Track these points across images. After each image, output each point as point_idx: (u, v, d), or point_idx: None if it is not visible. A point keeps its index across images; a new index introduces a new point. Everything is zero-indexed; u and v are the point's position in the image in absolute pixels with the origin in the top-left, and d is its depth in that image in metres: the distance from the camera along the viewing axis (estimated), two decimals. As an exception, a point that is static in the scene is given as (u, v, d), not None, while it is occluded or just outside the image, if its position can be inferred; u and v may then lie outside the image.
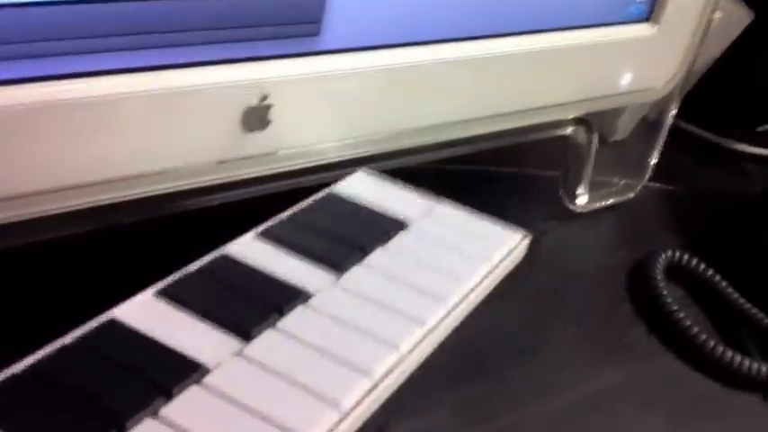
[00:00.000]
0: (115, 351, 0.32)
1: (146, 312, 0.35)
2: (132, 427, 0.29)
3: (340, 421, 0.32)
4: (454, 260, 0.43)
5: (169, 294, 0.36)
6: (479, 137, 0.53)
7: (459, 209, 0.48)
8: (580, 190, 0.62)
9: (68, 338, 0.33)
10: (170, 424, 0.30)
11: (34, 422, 0.29)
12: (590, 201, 0.64)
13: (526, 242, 0.46)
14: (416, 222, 0.46)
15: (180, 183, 0.41)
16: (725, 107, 0.80)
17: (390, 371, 0.35)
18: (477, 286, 0.42)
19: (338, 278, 0.40)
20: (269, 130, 0.42)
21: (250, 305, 0.37)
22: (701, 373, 0.54)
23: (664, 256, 0.58)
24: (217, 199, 0.44)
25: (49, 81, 0.33)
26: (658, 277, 0.57)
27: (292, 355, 0.34)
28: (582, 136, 0.60)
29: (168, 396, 0.31)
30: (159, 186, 0.40)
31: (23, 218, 0.35)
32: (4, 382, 0.30)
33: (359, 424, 0.33)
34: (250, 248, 0.41)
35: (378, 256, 0.42)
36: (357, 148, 0.49)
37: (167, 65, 0.36)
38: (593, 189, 0.64)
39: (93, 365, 0.32)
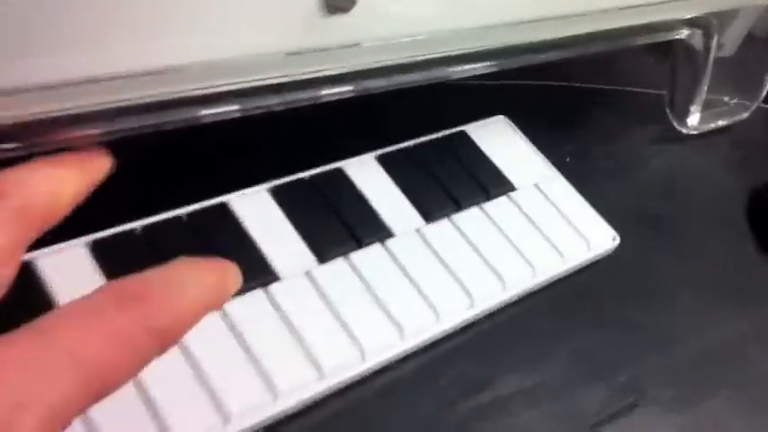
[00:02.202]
0: (214, 233, 0.37)
1: (253, 205, 0.39)
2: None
3: (361, 363, 0.35)
4: (539, 248, 0.42)
5: (278, 194, 0.40)
6: (588, 36, 0.44)
7: (571, 189, 0.47)
8: (692, 108, 0.54)
9: (183, 211, 0.38)
10: (225, 315, 0.35)
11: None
12: (701, 121, 0.55)
13: (616, 243, 0.45)
14: (524, 190, 0.45)
15: (241, 79, 0.33)
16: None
17: (427, 334, 0.37)
18: (546, 279, 0.42)
19: (424, 226, 0.41)
20: (353, 15, 0.33)
21: (337, 228, 0.39)
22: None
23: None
24: (280, 105, 0.36)
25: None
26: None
27: (348, 288, 0.37)
28: (698, 41, 0.51)
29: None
30: (216, 83, 0.33)
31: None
32: (121, 234, 0.36)
33: (378, 367, 0.36)
34: (364, 170, 0.42)
35: (469, 216, 0.42)
36: (447, 45, 0.40)
37: None
38: (704, 109, 0.55)
39: (191, 242, 0.36)
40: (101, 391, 0.18)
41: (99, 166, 0.26)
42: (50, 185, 0.23)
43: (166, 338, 0.20)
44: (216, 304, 0.22)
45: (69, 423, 0.18)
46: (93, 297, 0.19)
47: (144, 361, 0.19)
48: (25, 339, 0.18)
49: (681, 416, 0.39)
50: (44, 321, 0.18)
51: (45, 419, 0.17)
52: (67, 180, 0.24)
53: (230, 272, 0.24)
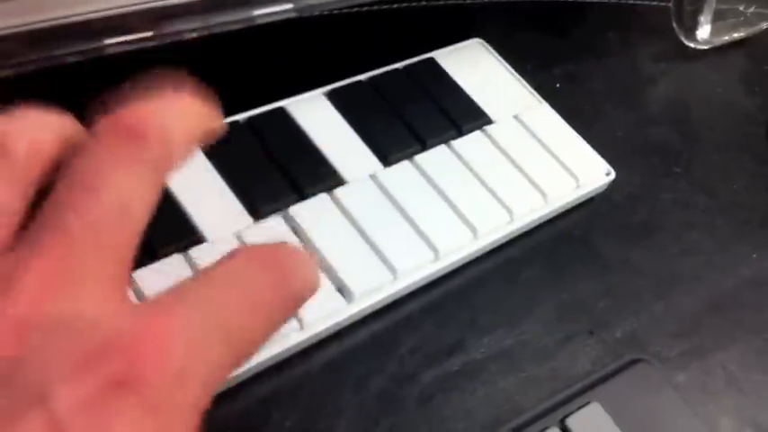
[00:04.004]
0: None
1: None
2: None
3: (299, 333, 0.31)
4: (517, 188, 0.37)
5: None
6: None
7: (558, 119, 0.41)
8: (702, 20, 0.48)
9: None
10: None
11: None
12: (713, 34, 0.49)
13: (610, 178, 0.39)
14: (502, 123, 0.39)
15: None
16: None
17: (382, 294, 0.32)
18: (527, 224, 0.37)
19: (381, 170, 0.36)
20: None
21: (276, 178, 0.34)
22: None
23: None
24: (201, 29, 0.31)
25: None
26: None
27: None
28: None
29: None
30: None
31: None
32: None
33: (321, 336, 0.32)
34: (310, 108, 0.37)
35: (436, 155, 0.37)
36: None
37: None
38: (715, 19, 0.49)
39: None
40: (242, 361, 0.19)
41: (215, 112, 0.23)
42: (189, 124, 0.21)
43: (296, 306, 0.20)
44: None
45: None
46: (235, 263, 0.19)
47: (275, 330, 0.20)
48: (180, 310, 0.18)
49: (687, 372, 0.34)
50: (192, 290, 0.18)
51: (205, 387, 0.17)
52: (202, 116, 0.22)
53: None
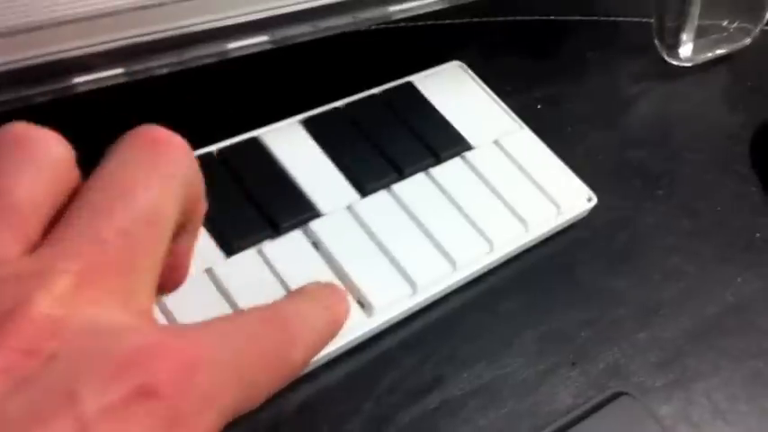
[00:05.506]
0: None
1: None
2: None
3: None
4: (497, 217, 0.36)
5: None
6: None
7: (539, 143, 0.40)
8: (684, 37, 0.47)
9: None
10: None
11: None
12: (695, 51, 0.48)
13: (592, 204, 0.39)
14: (482, 149, 0.39)
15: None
16: None
17: (359, 331, 0.32)
18: (506, 254, 0.36)
19: (358, 200, 0.35)
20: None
21: (250, 212, 0.33)
22: None
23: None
24: (176, 65, 0.30)
25: None
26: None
27: (257, 288, 0.31)
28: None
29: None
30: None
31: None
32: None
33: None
34: (286, 138, 0.36)
35: (414, 184, 0.36)
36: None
37: None
38: (698, 36, 0.48)
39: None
40: (245, 410, 0.19)
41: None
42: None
43: (305, 361, 0.21)
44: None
45: None
46: (250, 318, 0.20)
47: (281, 385, 0.20)
48: (208, 343, 0.18)
49: (671, 403, 0.34)
50: (217, 332, 0.19)
51: (216, 423, 0.18)
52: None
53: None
